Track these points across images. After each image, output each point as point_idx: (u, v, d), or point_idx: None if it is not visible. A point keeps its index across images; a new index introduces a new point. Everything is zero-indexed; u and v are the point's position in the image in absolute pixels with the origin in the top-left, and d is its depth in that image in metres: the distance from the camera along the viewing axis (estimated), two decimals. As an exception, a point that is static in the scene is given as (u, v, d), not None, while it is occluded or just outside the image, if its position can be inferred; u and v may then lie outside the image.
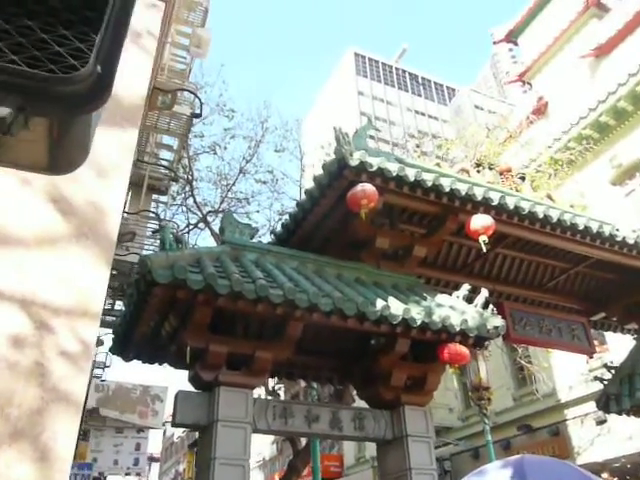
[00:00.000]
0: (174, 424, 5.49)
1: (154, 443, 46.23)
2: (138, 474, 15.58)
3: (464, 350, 5.92)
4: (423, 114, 58.23)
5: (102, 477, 15.12)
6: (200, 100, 6.17)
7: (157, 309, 5.37)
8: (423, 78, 63.20)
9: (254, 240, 7.13)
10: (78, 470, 12.49)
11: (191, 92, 6.96)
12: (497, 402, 14.55)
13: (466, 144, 12.29)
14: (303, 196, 7.19)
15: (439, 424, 19.58)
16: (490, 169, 9.37)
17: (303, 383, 13.02)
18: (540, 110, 16.05)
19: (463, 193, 6.76)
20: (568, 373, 15.39)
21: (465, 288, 6.71)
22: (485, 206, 6.98)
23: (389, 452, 6.18)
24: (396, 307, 5.69)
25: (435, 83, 63.67)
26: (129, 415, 13.71)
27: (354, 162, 6.24)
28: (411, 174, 6.47)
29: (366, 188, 6.20)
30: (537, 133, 15.75)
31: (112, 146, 3.04)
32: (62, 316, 2.49)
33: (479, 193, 6.85)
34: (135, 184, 10.59)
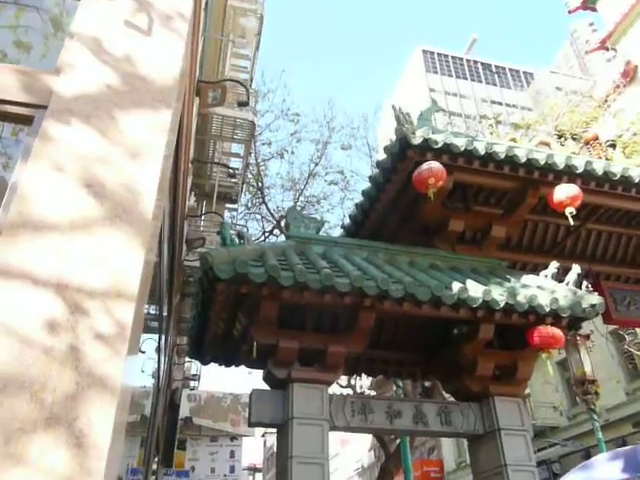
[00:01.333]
0: (250, 424, 5.36)
1: (255, 453, 47.09)
2: (235, 481, 15.89)
3: (557, 332, 5.33)
4: (500, 103, 55.78)
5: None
6: (247, 89, 6.09)
7: (223, 307, 5.29)
8: (497, 66, 60.75)
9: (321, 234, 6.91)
10: (176, 477, 12.89)
11: (237, 82, 6.93)
12: (607, 397, 13.32)
13: (544, 119, 11.40)
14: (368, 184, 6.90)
15: (543, 424, 18.35)
16: (574, 139, 8.61)
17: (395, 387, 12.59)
18: (628, 74, 14.67)
19: (542, 162, 6.19)
20: (688, 361, 13.82)
21: (554, 266, 6.10)
22: (569, 175, 6.36)
23: (481, 448, 5.69)
24: (475, 289, 5.24)
25: (510, 70, 60.97)
26: (222, 423, 13.97)
27: (417, 140, 5.89)
28: (481, 147, 6.00)
29: (433, 166, 5.82)
30: (628, 101, 14.40)
31: (144, 127, 2.95)
32: (97, 299, 2.39)
33: (560, 161, 6.24)
34: (207, 195, 10.80)
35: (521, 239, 7.77)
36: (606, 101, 12.98)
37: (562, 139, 8.44)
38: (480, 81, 58.10)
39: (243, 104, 6.13)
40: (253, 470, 51.57)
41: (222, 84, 5.01)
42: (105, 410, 2.15)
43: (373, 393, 17.83)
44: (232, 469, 14.67)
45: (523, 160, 6.09)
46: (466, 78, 58.03)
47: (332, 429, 5.29)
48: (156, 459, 10.46)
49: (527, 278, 6.20)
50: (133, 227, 2.61)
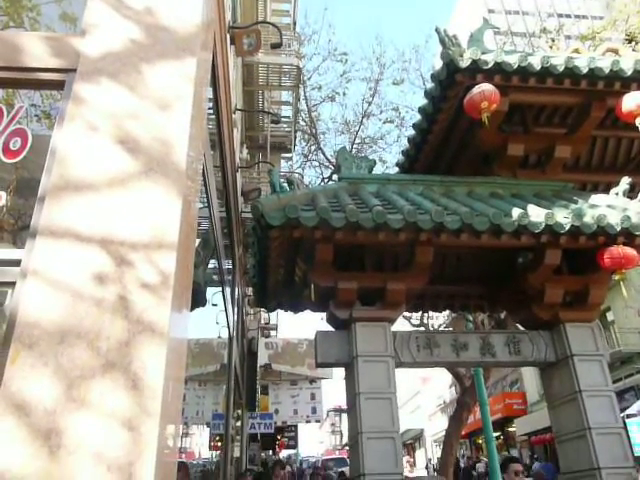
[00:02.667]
0: (317, 364, 5.51)
1: (340, 395, 49.07)
2: (317, 421, 16.72)
3: (630, 252, 5.00)
4: (568, 15, 51.38)
5: (286, 425, 16.57)
6: (279, 30, 5.88)
7: (280, 253, 5.36)
8: (562, -26, 55.59)
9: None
10: (261, 420, 13.73)
11: (270, 24, 6.75)
12: (698, 318, 12.54)
13: (614, 24, 10.30)
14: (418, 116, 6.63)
15: (630, 350, 17.68)
16: (646, 42, 7.81)
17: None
18: None
19: (607, 71, 5.67)
20: None
21: (625, 182, 5.68)
22: (639, 82, 5.79)
23: (554, 375, 5.56)
24: (537, 214, 4.98)
25: (578, -24, 55.61)
26: (300, 368, 14.54)
27: (465, 63, 5.55)
28: (536, 62, 5.57)
29: (484, 89, 5.47)
30: None
31: (171, 77, 2.94)
32: (140, 250, 2.46)
33: (628, 66, 5.70)
34: (261, 146, 10.81)
35: (590, 158, 7.27)
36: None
37: (632, 43, 7.64)
38: (544, -7, 53.55)
39: (276, 46, 5.99)
40: (339, 411, 53.84)
41: (255, 28, 4.88)
42: (156, 353, 2.24)
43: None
44: (314, 410, 15.40)
45: (584, 71, 5.61)
46: (528, -8, 53.67)
47: (398, 365, 5.34)
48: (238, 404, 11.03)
49: (596, 198, 5.84)
50: (168, 178, 2.65)
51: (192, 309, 3.20)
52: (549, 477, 11.97)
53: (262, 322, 16.46)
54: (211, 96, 4.61)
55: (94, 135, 2.73)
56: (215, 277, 6.39)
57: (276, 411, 14.74)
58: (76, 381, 2.14)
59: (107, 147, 2.70)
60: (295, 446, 24.79)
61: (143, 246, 2.48)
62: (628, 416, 10.12)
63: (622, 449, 5.01)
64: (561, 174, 6.67)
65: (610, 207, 5.37)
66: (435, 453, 38.17)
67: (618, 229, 4.95)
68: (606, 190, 7.39)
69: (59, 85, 2.93)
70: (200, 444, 8.00)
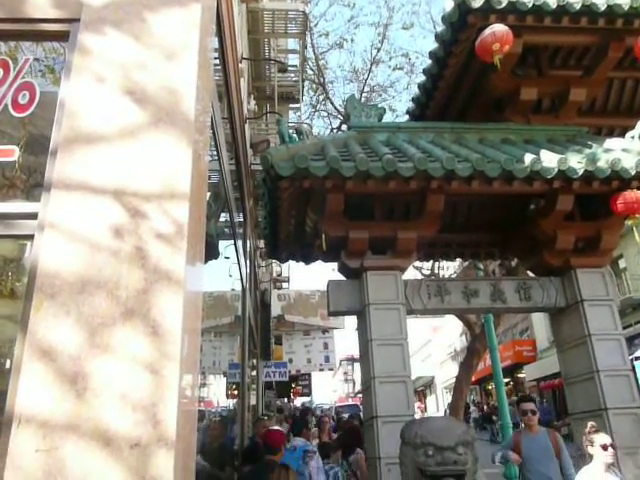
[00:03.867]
0: (330, 313, 5.60)
1: (352, 345, 50.08)
2: (330, 369, 17.24)
3: (645, 196, 4.95)
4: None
5: (300, 373, 17.09)
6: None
7: (291, 204, 5.37)
8: None
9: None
10: (275, 368, 14.17)
11: None
12: None
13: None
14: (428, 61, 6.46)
15: (642, 297, 17.73)
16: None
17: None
18: None
19: (626, 8, 5.45)
20: None
21: (641, 124, 5.55)
22: (660, 17, 5.58)
23: (563, 320, 5.62)
24: (550, 159, 4.92)
25: None
26: (312, 318, 14.85)
27: (477, 3, 5.36)
28: (552, 0, 5.36)
29: (496, 30, 5.29)
30: None
31: (176, 25, 2.89)
32: (153, 201, 2.49)
33: (648, 3, 5.46)
34: (269, 97, 10.63)
35: (606, 101, 7.10)
36: None
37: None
38: None
39: (283, -10, 5.82)
40: (351, 360, 55.25)
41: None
42: (173, 299, 2.30)
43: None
44: (327, 359, 15.85)
45: (602, 8, 5.39)
46: None
47: (409, 312, 5.42)
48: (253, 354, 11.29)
49: (611, 142, 5.73)
50: (177, 128, 2.64)
51: (205, 261, 3.25)
52: (543, 418, 12.34)
53: (274, 274, 16.68)
54: (217, 45, 4.52)
55: (102, 86, 2.70)
56: (227, 230, 6.43)
57: (290, 360, 15.18)
58: (98, 328, 2.21)
59: (116, 98, 2.68)
60: (309, 394, 25.59)
61: (156, 197, 2.50)
62: (637, 359, 10.25)
63: (630, 390, 5.11)
64: (575, 118, 6.53)
65: (625, 151, 5.28)
66: (445, 399, 39.18)
67: (632, 173, 4.89)
68: (622, 134, 7.24)
69: (63, 36, 2.89)
70: (218, 393, 8.25)
